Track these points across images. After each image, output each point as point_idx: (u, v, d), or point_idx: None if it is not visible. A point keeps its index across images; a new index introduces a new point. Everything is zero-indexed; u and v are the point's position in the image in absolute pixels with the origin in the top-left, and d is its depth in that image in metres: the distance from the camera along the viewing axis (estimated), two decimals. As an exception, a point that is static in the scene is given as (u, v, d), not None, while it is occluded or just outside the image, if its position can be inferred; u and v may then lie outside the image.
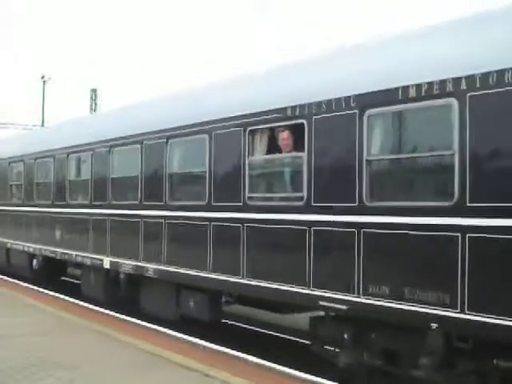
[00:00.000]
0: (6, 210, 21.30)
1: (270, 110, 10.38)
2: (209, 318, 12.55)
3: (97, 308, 15.93)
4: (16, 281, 20.70)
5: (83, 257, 16.12)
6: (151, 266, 13.33)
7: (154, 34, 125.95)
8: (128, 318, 14.65)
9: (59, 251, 17.39)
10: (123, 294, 15.32)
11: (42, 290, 19.06)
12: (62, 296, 18.02)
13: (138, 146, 13.98)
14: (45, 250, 18.24)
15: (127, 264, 14.17)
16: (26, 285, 19.99)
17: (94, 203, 15.81)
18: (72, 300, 17.27)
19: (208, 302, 12.46)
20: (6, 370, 9.06)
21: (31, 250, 19.23)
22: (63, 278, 20.57)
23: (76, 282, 20.45)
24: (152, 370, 9.50)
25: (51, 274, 19.66)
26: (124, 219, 14.45)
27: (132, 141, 14.29)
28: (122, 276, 14.85)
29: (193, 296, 12.68)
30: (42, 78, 62.10)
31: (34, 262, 19.29)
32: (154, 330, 13.48)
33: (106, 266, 15.05)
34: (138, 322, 14.26)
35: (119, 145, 14.86)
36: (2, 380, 8.48)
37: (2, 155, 22.06)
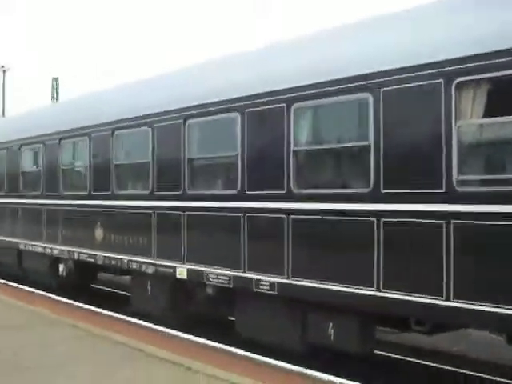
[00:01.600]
0: (16, 202, 17.45)
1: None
2: (359, 349, 9.10)
3: (166, 330, 12.30)
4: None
5: (141, 263, 12.51)
6: (266, 279, 9.78)
7: (152, 33, 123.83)
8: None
9: (100, 255, 13.76)
10: (203, 312, 11.88)
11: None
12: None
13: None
14: (79, 253, 14.54)
15: (219, 274, 10.61)
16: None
17: (157, 193, 12.20)
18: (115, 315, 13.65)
19: (358, 327, 8.99)
20: None
21: (56, 252, 15.47)
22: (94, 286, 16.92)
23: (106, 289, 16.93)
24: None
25: (81, 282, 15.99)
26: (213, 214, 10.88)
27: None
28: (207, 290, 11.28)
29: (332, 319, 9.20)
30: (2, 67, 61.98)
31: (61, 267, 15.54)
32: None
33: (181, 275, 11.48)
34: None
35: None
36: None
37: (8, 137, 18.12)
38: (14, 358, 9.34)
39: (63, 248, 15.20)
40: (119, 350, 10.09)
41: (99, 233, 13.86)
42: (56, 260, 15.82)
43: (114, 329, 12.07)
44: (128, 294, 14.01)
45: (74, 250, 14.80)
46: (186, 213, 11.43)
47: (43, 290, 16.42)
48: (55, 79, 63.04)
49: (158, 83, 13.43)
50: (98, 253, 13.88)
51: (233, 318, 11.19)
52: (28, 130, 17.39)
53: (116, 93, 14.97)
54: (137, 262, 12.67)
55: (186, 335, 11.74)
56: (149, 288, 12.87)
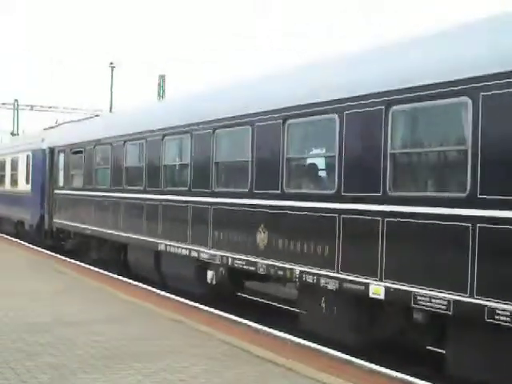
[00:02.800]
0: (156, 199, 15.82)
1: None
2: None
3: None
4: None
5: (319, 276, 10.53)
6: (506, 307, 7.59)
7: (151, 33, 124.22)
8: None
9: (262, 263, 11.86)
10: (397, 339, 9.82)
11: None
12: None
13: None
14: (234, 258, 12.70)
15: (433, 297, 8.48)
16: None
17: (345, 194, 10.18)
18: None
19: None
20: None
21: (204, 256, 13.69)
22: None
23: (255, 299, 15.07)
24: None
25: (230, 291, 14.19)
26: (430, 222, 8.75)
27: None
28: (414, 315, 9.16)
29: None
30: (111, 64, 62.55)
31: (210, 274, 13.73)
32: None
33: (376, 294, 9.43)
34: None
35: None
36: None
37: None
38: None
39: (214, 252, 13.39)
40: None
41: (262, 237, 11.96)
42: (204, 265, 14.02)
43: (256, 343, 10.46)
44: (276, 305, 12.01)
45: (227, 255, 12.97)
46: (388, 219, 9.35)
47: (183, 297, 14.60)
48: (162, 77, 62.93)
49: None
50: (260, 260, 11.98)
51: (440, 350, 9.06)
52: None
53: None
54: (313, 274, 10.68)
55: (372, 365, 9.64)
56: (325, 305, 10.89)
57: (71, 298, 13.91)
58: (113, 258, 19.13)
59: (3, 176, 32.04)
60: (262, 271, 12.01)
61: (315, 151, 12.01)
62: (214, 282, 13.74)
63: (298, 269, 11.03)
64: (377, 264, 9.44)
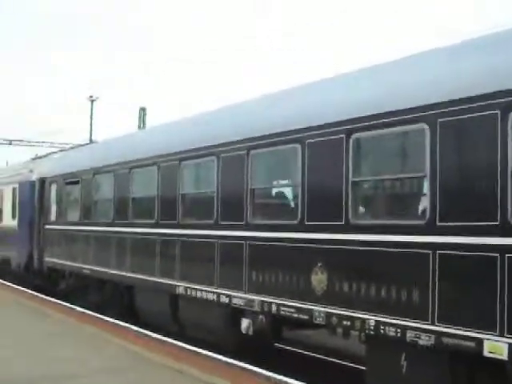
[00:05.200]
0: (175, 234, 13.51)
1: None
2: None
3: None
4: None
5: (404, 329, 8.26)
6: None
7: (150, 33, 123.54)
8: None
9: (320, 310, 9.59)
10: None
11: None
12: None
13: None
14: (279, 305, 10.41)
15: None
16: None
17: (441, 224, 7.97)
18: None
19: None
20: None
21: (238, 302, 11.38)
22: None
23: (296, 350, 12.80)
24: None
25: (269, 341, 11.89)
26: None
27: None
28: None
29: None
30: (90, 97, 62.17)
31: (246, 322, 11.42)
32: None
33: (494, 353, 7.20)
34: None
35: None
36: None
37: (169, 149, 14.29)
38: None
39: (252, 297, 11.08)
40: None
41: (319, 278, 9.69)
42: (236, 312, 11.70)
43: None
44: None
45: (270, 300, 10.66)
46: (506, 255, 7.15)
47: (211, 350, 12.19)
48: (143, 109, 61.53)
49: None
50: (317, 307, 9.70)
51: None
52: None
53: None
54: (396, 326, 8.42)
55: None
56: (407, 364, 8.61)
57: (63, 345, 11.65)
58: (115, 301, 16.73)
59: (-14, 211, 29.48)
60: (319, 321, 9.73)
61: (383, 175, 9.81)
62: (251, 333, 11.40)
63: (372, 319, 8.75)
64: (494, 315, 7.21)
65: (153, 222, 14.26)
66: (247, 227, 11.36)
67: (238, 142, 11.70)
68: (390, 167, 9.22)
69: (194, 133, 13.44)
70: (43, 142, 66.22)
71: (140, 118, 61.08)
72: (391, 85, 9.09)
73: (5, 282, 24.75)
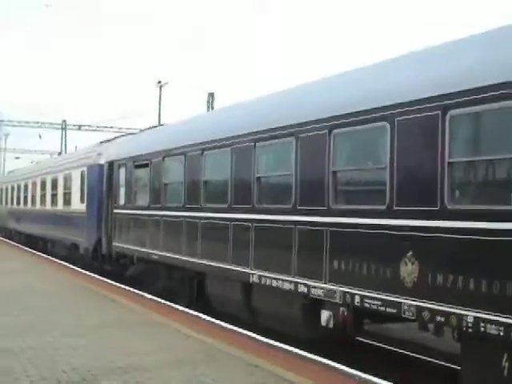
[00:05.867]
0: (248, 219, 12.83)
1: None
2: None
3: None
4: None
5: (502, 327, 7.42)
6: None
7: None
8: None
9: (409, 304, 8.77)
10: None
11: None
12: None
13: None
14: (363, 297, 9.64)
15: None
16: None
17: None
18: None
19: None
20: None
21: (317, 292, 10.65)
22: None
23: (380, 345, 12.00)
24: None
25: (350, 334, 11.13)
26: None
27: None
28: None
29: None
30: (159, 82, 62.90)
31: (326, 315, 10.69)
32: None
33: None
34: None
35: None
36: None
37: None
38: None
39: (333, 287, 10.33)
40: None
41: (409, 269, 8.86)
42: (315, 303, 10.97)
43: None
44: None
45: (353, 291, 9.89)
46: None
47: (286, 342, 11.47)
48: (211, 94, 61.29)
49: None
50: (406, 300, 8.88)
51: None
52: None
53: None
54: (495, 323, 7.57)
55: None
56: (509, 365, 7.74)
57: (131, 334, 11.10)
58: (185, 288, 16.19)
59: (55, 195, 29.41)
60: (408, 315, 8.92)
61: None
62: (331, 325, 10.66)
63: (471, 315, 7.90)
64: None
65: (226, 206, 13.61)
66: (328, 212, 10.58)
67: (318, 121, 10.93)
68: (491, 147, 8.28)
69: (271, 112, 12.72)
70: (111, 127, 66.80)
71: (208, 102, 60.94)
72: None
73: (73, 267, 24.54)
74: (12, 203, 41.55)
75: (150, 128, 22.79)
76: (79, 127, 75.22)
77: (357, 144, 10.43)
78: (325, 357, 10.21)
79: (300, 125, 11.36)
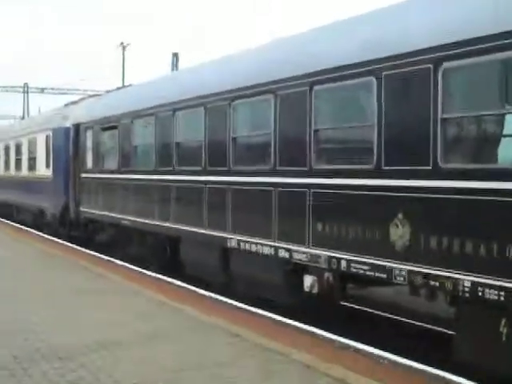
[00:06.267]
0: (225, 181, 12.28)
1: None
2: None
3: None
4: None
5: (503, 291, 7.04)
6: None
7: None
8: None
9: (401, 268, 8.37)
10: None
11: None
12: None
13: None
14: (349, 261, 9.20)
15: None
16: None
17: None
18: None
19: None
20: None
21: (299, 257, 10.21)
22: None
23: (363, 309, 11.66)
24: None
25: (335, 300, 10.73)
26: None
27: None
28: None
29: None
30: (121, 44, 62.85)
31: (309, 280, 10.29)
32: None
33: None
34: None
35: None
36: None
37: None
38: None
39: (317, 252, 9.85)
40: None
41: (399, 232, 8.41)
42: (296, 269, 10.51)
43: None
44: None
45: (340, 256, 9.43)
46: None
47: (267, 309, 11.03)
48: (175, 54, 59.84)
49: None
50: (398, 265, 8.44)
51: None
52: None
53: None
54: (495, 287, 7.17)
55: None
56: (507, 331, 7.37)
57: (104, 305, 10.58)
58: (158, 254, 15.65)
59: (19, 160, 28.48)
60: (400, 280, 8.48)
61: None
62: (316, 291, 10.21)
63: (468, 279, 7.48)
64: None
65: (200, 168, 13.02)
66: (310, 173, 10.06)
67: (298, 77, 10.35)
68: (488, 101, 7.80)
69: (247, 69, 12.10)
70: (76, 90, 65.26)
71: (173, 64, 59.67)
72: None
73: (39, 233, 23.84)
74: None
75: (118, 89, 21.97)
76: (42, 90, 73.55)
77: (340, 101, 9.95)
78: (310, 324, 9.81)
79: (278, 81, 10.76)
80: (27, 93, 75.07)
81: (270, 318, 10.27)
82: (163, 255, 15.38)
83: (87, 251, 18.60)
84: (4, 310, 10.50)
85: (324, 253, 9.71)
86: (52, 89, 72.73)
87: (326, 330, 9.73)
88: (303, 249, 10.12)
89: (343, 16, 10.77)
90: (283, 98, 10.67)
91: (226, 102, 12.17)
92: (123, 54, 63.49)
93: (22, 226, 26.14)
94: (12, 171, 29.81)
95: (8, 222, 29.17)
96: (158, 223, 14.80)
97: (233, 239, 11.88)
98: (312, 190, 10.03)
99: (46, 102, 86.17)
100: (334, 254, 9.53)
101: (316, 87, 9.95)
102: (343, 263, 9.35)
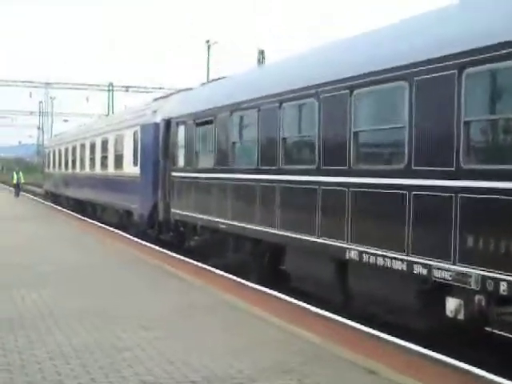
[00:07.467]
0: (336, 183, 10.61)
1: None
2: None
3: None
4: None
5: None
6: None
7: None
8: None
9: None
10: None
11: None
12: None
13: None
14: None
15: None
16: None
17: None
18: None
19: None
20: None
21: (445, 276, 8.45)
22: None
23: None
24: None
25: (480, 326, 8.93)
26: None
27: None
28: None
29: None
30: (207, 41, 62.84)
31: (454, 303, 8.58)
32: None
33: None
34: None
35: None
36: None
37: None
38: None
39: (464, 269, 8.09)
40: None
41: None
42: (438, 289, 8.76)
43: None
44: None
45: (497, 276, 7.64)
46: None
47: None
48: (261, 52, 59.00)
49: None
50: None
51: None
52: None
53: None
54: None
55: None
56: None
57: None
58: (257, 262, 14.11)
59: (105, 157, 27.45)
60: None
61: None
62: (462, 317, 8.43)
63: None
64: None
65: (313, 167, 11.42)
66: (457, 175, 8.31)
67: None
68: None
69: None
70: (160, 88, 64.81)
71: (259, 61, 58.65)
72: None
73: (125, 235, 22.64)
74: (60, 167, 39.90)
75: (213, 81, 20.52)
76: (127, 89, 73.67)
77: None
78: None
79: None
80: (112, 91, 75.36)
81: (414, 350, 8.47)
82: (262, 264, 13.86)
83: (190, 260, 16.81)
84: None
85: (475, 271, 7.93)
86: (137, 87, 72.73)
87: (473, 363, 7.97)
88: (447, 265, 8.36)
89: (343, 16, 10.24)
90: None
91: (345, 91, 10.51)
92: (208, 53, 63.01)
93: (113, 229, 24.78)
94: (98, 169, 28.88)
95: (93, 222, 28.12)
96: (258, 228, 13.26)
97: (352, 250, 10.20)
98: (460, 195, 8.28)
99: (130, 100, 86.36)
100: (488, 274, 7.75)
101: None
102: (503, 286, 7.56)
